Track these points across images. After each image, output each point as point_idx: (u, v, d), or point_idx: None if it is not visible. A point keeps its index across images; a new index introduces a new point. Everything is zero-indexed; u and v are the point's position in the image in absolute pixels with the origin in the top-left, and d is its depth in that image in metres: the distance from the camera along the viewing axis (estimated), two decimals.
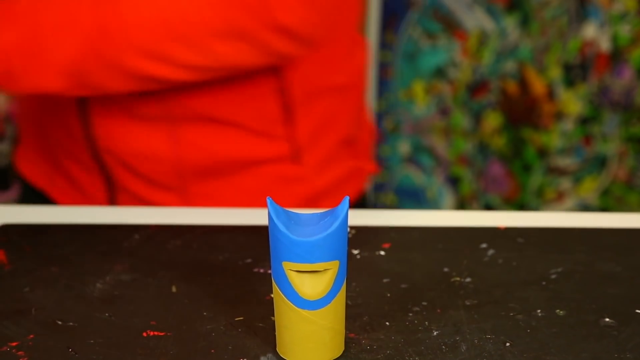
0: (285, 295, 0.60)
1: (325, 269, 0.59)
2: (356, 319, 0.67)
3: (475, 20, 2.25)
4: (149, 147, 0.94)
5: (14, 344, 0.64)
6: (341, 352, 0.63)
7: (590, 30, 2.14)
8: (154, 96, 0.91)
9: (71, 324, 0.67)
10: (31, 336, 0.65)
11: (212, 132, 0.93)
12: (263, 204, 0.96)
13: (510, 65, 2.24)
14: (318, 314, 0.60)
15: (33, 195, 1.07)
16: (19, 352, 0.63)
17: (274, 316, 0.64)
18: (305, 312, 0.60)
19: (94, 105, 0.92)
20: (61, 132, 0.97)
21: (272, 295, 0.63)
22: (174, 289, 0.72)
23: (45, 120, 0.98)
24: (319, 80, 0.95)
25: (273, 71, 0.91)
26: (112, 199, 0.99)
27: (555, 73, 2.20)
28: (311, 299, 0.60)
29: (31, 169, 1.07)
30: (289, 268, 0.59)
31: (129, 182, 0.97)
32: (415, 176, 2.50)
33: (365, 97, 1.10)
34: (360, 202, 1.08)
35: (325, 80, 0.96)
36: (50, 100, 0.96)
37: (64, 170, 1.02)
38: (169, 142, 0.93)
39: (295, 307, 0.60)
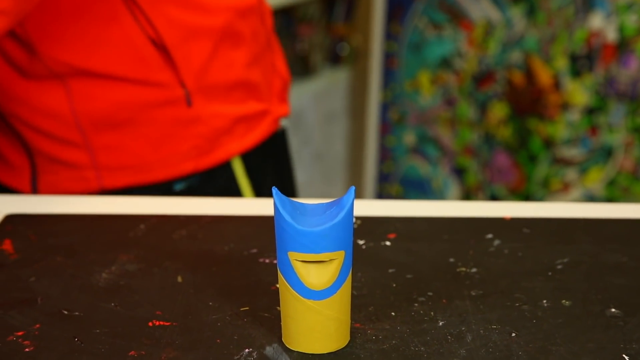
0: (290, 285, 0.60)
1: (331, 259, 0.59)
2: (361, 309, 0.67)
3: (481, 10, 2.25)
4: (47, 104, 0.96)
5: (19, 333, 0.64)
6: (347, 342, 0.63)
7: (596, 21, 2.13)
8: (34, 55, 0.93)
9: (77, 313, 0.67)
10: (37, 326, 0.65)
11: (99, 85, 0.95)
12: (166, 151, 0.99)
13: (516, 56, 2.23)
14: (323, 304, 0.60)
15: None
16: (25, 342, 0.63)
17: (279, 306, 0.64)
18: (310, 302, 0.60)
19: None
20: None
21: (278, 286, 0.63)
22: (179, 279, 0.72)
23: None
24: (187, 22, 0.97)
25: (133, 18, 0.94)
26: (33, 165, 1.00)
27: (562, 63, 2.19)
28: (317, 289, 0.60)
29: None
30: (295, 258, 0.59)
31: (40, 143, 0.99)
32: (421, 167, 2.50)
33: (272, 45, 1.13)
34: (271, 144, 1.10)
35: (192, 22, 0.98)
36: None
37: None
38: (64, 98, 0.95)
39: (301, 297, 0.60)
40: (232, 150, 1.04)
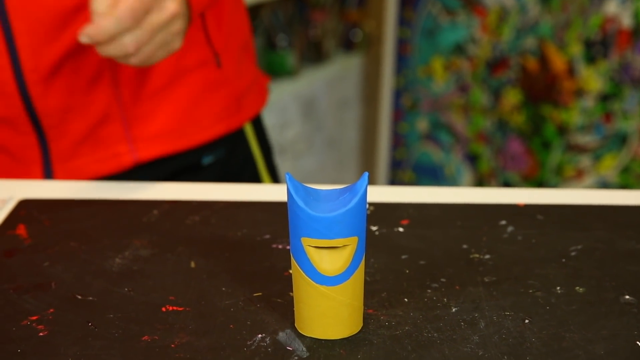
0: (304, 271, 0.60)
1: (344, 245, 0.59)
2: (374, 295, 0.67)
3: None
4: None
5: (34, 317, 0.64)
6: (360, 328, 0.63)
7: (611, 6, 2.12)
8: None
9: (90, 298, 0.67)
10: (51, 310, 0.65)
11: None
12: (199, 114, 0.99)
13: (530, 42, 2.22)
14: (337, 289, 0.60)
15: None
16: (39, 326, 0.63)
17: (292, 292, 0.64)
18: (323, 288, 0.60)
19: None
20: None
21: (291, 271, 0.63)
22: (192, 265, 0.72)
23: None
24: None
25: None
26: (45, 155, 0.98)
27: (576, 49, 2.18)
28: (330, 275, 0.60)
29: None
30: (308, 244, 0.59)
31: (70, 125, 0.97)
32: (434, 153, 2.49)
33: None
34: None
35: None
36: None
37: None
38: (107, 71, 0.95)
39: (314, 283, 0.60)
40: (251, 111, 1.07)
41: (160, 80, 0.96)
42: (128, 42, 0.78)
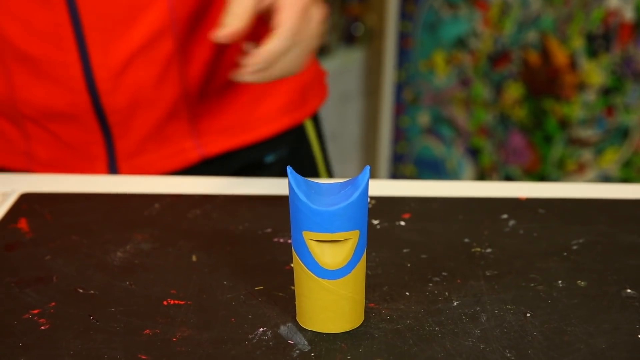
0: (305, 265, 0.60)
1: (346, 239, 0.59)
2: (376, 289, 0.67)
3: None
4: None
5: (35, 311, 0.64)
6: (361, 321, 0.63)
7: (613, 0, 2.12)
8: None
9: (92, 292, 0.67)
10: (52, 304, 0.65)
11: (216, 48, 0.95)
12: (265, 108, 0.99)
13: (532, 36, 2.22)
14: (338, 283, 0.60)
15: None
16: (41, 320, 0.63)
17: (293, 285, 0.64)
18: (325, 282, 0.60)
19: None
20: None
21: (292, 265, 0.63)
22: (194, 258, 0.72)
23: None
24: None
25: None
26: (111, 153, 0.97)
27: (578, 43, 2.17)
28: (331, 269, 0.60)
29: None
30: (309, 237, 0.59)
31: (139, 122, 0.96)
32: (435, 147, 2.49)
33: None
34: None
35: None
36: None
37: None
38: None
39: (315, 277, 0.60)
40: (313, 106, 1.07)
41: (227, 75, 0.95)
42: (287, 61, 0.78)
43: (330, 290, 0.60)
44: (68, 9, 0.86)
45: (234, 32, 0.76)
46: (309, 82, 1.05)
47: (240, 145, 0.99)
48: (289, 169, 0.60)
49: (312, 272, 0.60)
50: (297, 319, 0.63)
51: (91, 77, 0.89)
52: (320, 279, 0.60)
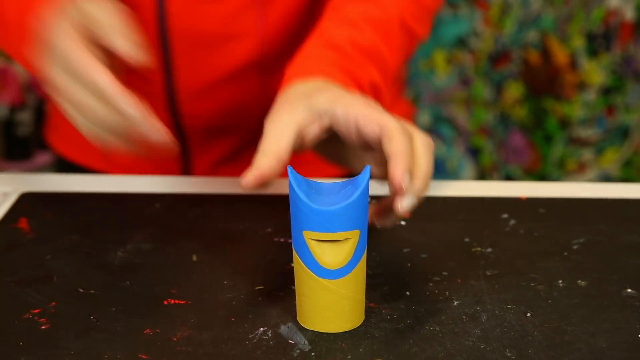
0: (305, 265, 0.60)
1: (346, 239, 0.59)
2: (376, 289, 0.67)
3: None
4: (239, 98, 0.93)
5: (36, 311, 0.64)
6: (361, 321, 0.63)
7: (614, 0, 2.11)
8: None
9: (93, 291, 0.67)
10: (53, 303, 0.65)
11: None
12: None
13: (532, 35, 2.22)
14: (338, 283, 0.60)
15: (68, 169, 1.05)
16: (41, 319, 0.63)
17: (294, 285, 0.64)
18: (325, 282, 0.60)
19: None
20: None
21: (293, 265, 0.63)
22: (194, 258, 0.72)
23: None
24: None
25: None
26: (186, 152, 0.96)
27: (578, 43, 2.17)
28: (332, 268, 0.60)
29: (66, 143, 1.04)
30: (310, 237, 0.59)
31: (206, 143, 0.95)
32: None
33: None
34: None
35: None
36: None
37: None
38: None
39: (316, 276, 0.60)
40: None
41: None
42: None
43: (330, 289, 0.60)
44: (158, 31, 0.85)
45: (264, 176, 0.65)
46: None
47: (321, 176, 0.97)
48: (290, 169, 0.60)
49: (312, 271, 0.60)
50: (297, 318, 0.63)
51: (173, 98, 0.88)
52: (320, 279, 0.60)
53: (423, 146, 0.66)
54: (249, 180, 0.65)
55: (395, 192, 0.63)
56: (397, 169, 0.62)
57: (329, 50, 0.76)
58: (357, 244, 0.60)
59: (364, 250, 0.61)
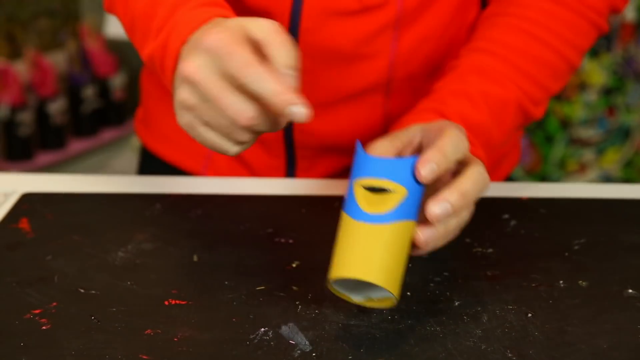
0: (346, 211, 0.62)
1: (389, 190, 0.61)
2: None
3: None
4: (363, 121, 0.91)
5: (37, 311, 0.64)
6: (395, 293, 0.61)
7: None
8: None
9: (93, 292, 0.67)
10: (54, 304, 0.65)
11: None
12: None
13: None
14: (373, 227, 0.60)
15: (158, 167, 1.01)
16: (42, 320, 0.63)
17: (295, 286, 0.64)
18: (360, 223, 0.61)
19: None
20: None
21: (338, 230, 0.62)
22: (195, 258, 0.72)
23: None
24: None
25: None
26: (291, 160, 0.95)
27: None
28: (369, 212, 0.61)
29: (159, 141, 1.01)
30: (358, 183, 0.62)
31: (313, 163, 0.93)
32: None
33: None
34: None
35: None
36: None
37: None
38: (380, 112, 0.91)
39: (352, 219, 0.61)
40: (505, 171, 1.00)
41: None
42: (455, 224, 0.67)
43: (362, 231, 0.61)
44: None
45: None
46: (507, 150, 0.98)
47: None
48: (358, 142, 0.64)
49: (350, 215, 0.61)
50: (332, 276, 0.61)
51: None
52: (355, 220, 0.61)
53: (478, 174, 0.65)
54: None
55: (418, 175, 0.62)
56: (427, 153, 0.63)
57: (438, 115, 0.76)
58: (400, 202, 0.61)
59: (408, 216, 0.61)
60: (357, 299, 0.63)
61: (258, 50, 0.63)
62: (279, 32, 0.63)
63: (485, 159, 0.75)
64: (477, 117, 0.77)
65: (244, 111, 0.62)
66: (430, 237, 0.63)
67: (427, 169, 0.62)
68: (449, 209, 0.62)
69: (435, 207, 0.62)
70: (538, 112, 0.83)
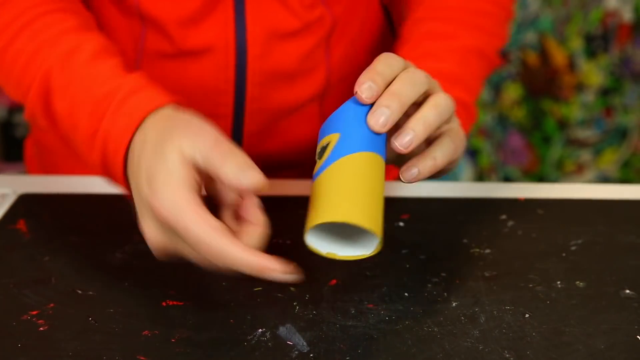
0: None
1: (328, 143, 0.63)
2: (375, 290, 0.67)
3: None
4: None
5: (34, 312, 0.64)
6: (371, 226, 0.60)
7: (612, 1, 2.12)
8: None
9: (91, 293, 0.67)
10: (51, 305, 0.65)
11: None
12: None
13: (530, 36, 2.22)
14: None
15: None
16: (39, 321, 0.63)
17: (292, 287, 0.64)
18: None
19: None
20: None
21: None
22: None
23: None
24: None
25: None
26: None
27: (576, 44, 2.17)
28: (317, 168, 0.63)
29: None
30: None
31: None
32: None
33: None
34: None
35: None
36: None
37: None
38: None
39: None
40: None
41: None
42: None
43: (315, 184, 0.62)
44: (235, 74, 0.85)
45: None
46: None
47: None
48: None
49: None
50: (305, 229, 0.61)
51: (239, 137, 0.88)
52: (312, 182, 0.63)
53: (440, 98, 0.66)
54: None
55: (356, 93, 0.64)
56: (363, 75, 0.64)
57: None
58: (334, 145, 0.62)
59: (347, 152, 0.62)
60: (342, 253, 0.62)
61: (207, 175, 0.63)
62: (218, 145, 0.61)
63: (468, 99, 0.79)
64: (447, 67, 0.79)
65: (229, 271, 0.61)
66: (405, 144, 0.63)
67: (377, 115, 0.63)
68: (413, 136, 0.63)
69: (398, 139, 0.63)
70: (497, 59, 0.86)
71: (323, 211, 0.59)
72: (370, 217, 0.60)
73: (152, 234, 0.64)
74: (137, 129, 0.66)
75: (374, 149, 0.63)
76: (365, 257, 0.62)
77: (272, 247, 0.74)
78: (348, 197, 0.60)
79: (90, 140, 0.69)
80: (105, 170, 0.70)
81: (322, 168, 0.62)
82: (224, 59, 0.84)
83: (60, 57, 0.73)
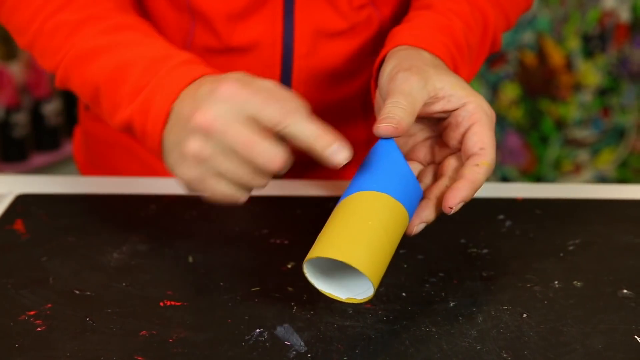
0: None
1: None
2: None
3: None
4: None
5: (32, 312, 0.64)
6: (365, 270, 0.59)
7: (609, 1, 2.12)
8: None
9: (88, 293, 0.67)
10: (49, 305, 0.65)
11: None
12: None
13: (528, 36, 2.22)
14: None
15: None
16: (37, 321, 0.63)
17: (290, 286, 0.64)
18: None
19: None
20: None
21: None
22: (190, 259, 0.72)
23: None
24: None
25: None
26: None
27: (574, 44, 2.18)
28: None
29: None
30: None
31: None
32: None
33: None
34: None
35: None
36: None
37: None
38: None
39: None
40: None
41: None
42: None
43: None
44: (281, 72, 0.85)
45: (400, 126, 0.64)
46: None
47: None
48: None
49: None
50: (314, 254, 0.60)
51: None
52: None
53: (475, 173, 0.66)
54: (386, 127, 0.64)
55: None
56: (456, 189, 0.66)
57: (443, 35, 0.76)
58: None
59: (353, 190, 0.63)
60: (338, 294, 0.62)
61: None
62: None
63: (465, 76, 0.78)
64: (473, 37, 0.79)
65: (276, 156, 0.61)
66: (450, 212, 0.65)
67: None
68: (462, 202, 0.66)
69: (449, 204, 0.66)
70: (498, 41, 0.86)
71: (324, 246, 0.60)
72: (372, 265, 0.60)
73: (185, 170, 0.64)
74: (193, 81, 0.66)
75: (401, 199, 0.64)
76: (354, 302, 0.61)
77: (270, 247, 0.75)
78: (354, 238, 0.60)
79: (134, 92, 0.68)
80: (140, 119, 0.68)
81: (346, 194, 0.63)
82: (271, 56, 0.85)
83: (108, 28, 0.73)
